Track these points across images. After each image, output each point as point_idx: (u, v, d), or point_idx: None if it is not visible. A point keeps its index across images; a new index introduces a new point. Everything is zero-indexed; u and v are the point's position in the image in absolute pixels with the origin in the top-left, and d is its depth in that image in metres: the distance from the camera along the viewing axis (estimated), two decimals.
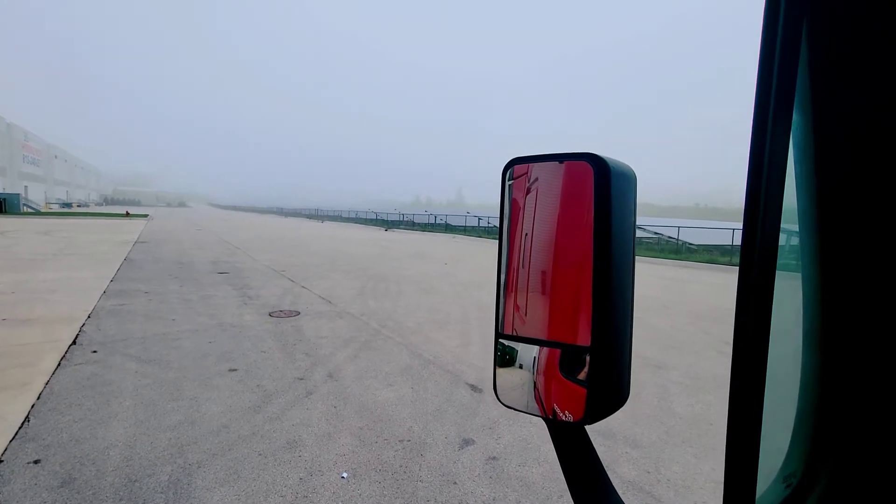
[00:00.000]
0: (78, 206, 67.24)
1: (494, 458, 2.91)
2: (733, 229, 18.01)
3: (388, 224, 41.81)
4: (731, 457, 0.41)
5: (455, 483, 2.63)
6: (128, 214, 41.08)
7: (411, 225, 40.93)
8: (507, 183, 0.47)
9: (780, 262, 0.39)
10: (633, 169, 0.44)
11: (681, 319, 7.07)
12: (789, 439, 0.51)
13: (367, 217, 52.50)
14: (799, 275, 0.48)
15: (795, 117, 0.41)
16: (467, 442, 3.10)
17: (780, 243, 0.39)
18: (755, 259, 0.39)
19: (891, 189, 0.39)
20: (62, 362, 4.30)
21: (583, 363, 0.41)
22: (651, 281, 11.19)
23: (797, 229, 0.47)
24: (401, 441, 3.08)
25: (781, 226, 0.39)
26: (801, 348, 0.49)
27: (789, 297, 0.47)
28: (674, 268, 14.73)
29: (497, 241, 0.49)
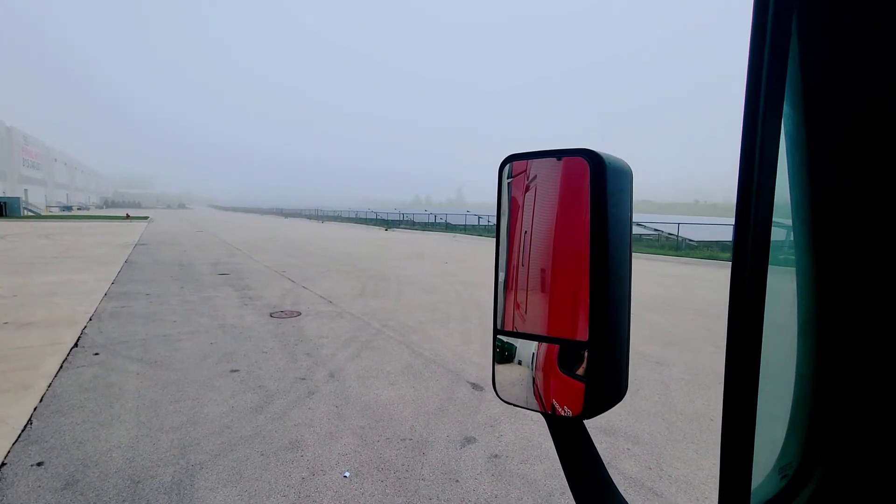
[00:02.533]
0: (78, 209, 67.24)
1: (496, 455, 2.92)
2: (733, 225, 17.94)
3: (388, 224, 41.77)
4: (726, 449, 0.41)
5: (457, 481, 2.63)
6: (128, 217, 41.14)
7: (411, 224, 40.91)
8: (506, 181, 0.47)
9: (773, 255, 0.39)
10: (629, 164, 0.44)
11: (681, 316, 7.07)
12: (785, 431, 0.52)
13: (368, 217, 52.46)
14: (793, 268, 0.48)
15: (786, 110, 0.42)
16: (469, 440, 3.10)
17: (773, 237, 0.39)
18: (748, 252, 0.39)
19: (883, 182, 0.39)
20: (64, 365, 4.30)
21: (581, 358, 0.42)
22: (651, 277, 11.18)
23: (790, 223, 0.47)
24: (403, 440, 3.08)
25: (774, 220, 0.39)
26: (795, 341, 0.49)
27: (783, 289, 0.47)
28: (674, 264, 14.71)
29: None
